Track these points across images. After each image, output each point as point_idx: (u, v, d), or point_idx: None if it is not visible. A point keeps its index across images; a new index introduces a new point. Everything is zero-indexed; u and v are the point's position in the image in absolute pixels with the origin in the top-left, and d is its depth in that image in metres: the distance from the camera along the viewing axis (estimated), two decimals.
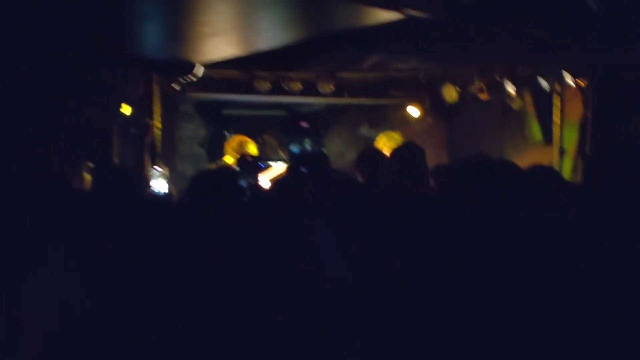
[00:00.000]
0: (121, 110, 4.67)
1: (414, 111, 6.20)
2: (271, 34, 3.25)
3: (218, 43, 3.38)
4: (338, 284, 1.97)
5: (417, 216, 2.30)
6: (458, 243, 1.86)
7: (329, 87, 5.71)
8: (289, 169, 3.84)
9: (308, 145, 3.21)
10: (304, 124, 3.32)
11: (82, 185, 3.21)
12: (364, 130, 6.81)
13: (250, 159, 3.85)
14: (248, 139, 4.98)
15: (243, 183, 3.92)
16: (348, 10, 2.79)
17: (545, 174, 2.50)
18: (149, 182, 3.66)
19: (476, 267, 1.79)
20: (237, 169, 3.82)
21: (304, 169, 2.79)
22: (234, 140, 5.03)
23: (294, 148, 3.15)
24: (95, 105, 4.37)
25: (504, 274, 1.79)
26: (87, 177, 3.33)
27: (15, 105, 3.71)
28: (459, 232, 1.89)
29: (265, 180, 4.47)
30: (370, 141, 6.64)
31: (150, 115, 4.63)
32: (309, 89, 5.71)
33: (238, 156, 4.50)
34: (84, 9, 2.76)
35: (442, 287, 1.81)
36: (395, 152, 2.95)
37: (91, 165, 3.27)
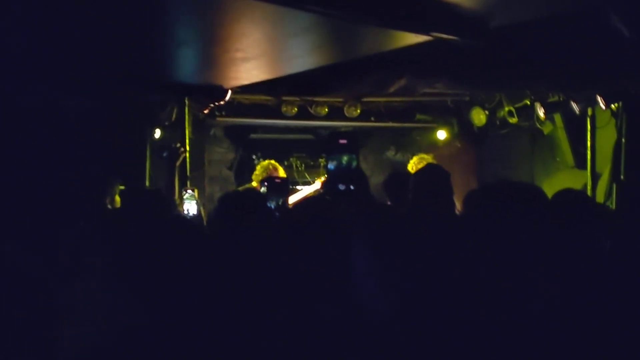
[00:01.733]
0: (154, 134, 4.79)
1: (441, 135, 6.18)
2: (301, 60, 3.31)
3: (249, 68, 3.45)
4: (371, 307, 1.95)
5: (444, 240, 2.29)
6: (486, 267, 1.83)
7: (355, 111, 5.76)
8: (324, 185, 3.82)
9: (345, 162, 3.20)
10: (342, 141, 3.31)
11: (114, 207, 3.28)
12: (389, 154, 6.81)
13: (277, 181, 3.87)
14: (275, 163, 5.03)
15: (271, 205, 3.94)
16: (377, 35, 2.83)
17: (575, 199, 2.46)
18: (180, 204, 3.72)
19: (504, 292, 1.76)
20: (265, 191, 3.85)
21: (341, 186, 2.78)
22: (261, 164, 5.09)
23: (331, 165, 3.15)
24: (129, 129, 4.50)
25: (535, 299, 1.75)
26: (118, 199, 3.41)
27: (50, 129, 3.85)
28: (488, 256, 1.87)
29: (292, 202, 4.48)
30: (396, 165, 6.63)
31: (182, 139, 4.73)
32: (336, 113, 5.78)
33: (266, 178, 4.54)
34: (120, 36, 2.86)
35: (469, 310, 1.78)
36: (417, 174, 2.90)
37: (123, 187, 3.35)
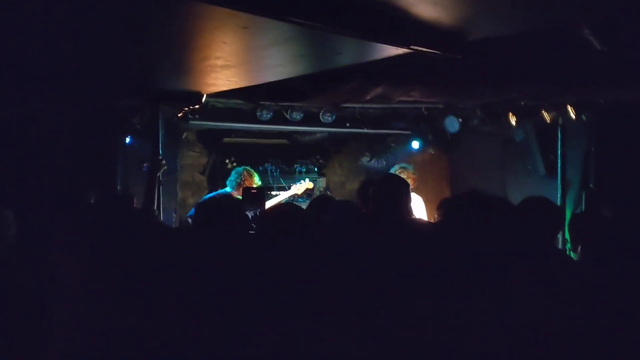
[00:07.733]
0: (126, 138, 4.70)
1: (415, 145, 6.25)
2: (281, 68, 3.29)
3: (229, 75, 3.41)
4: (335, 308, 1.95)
5: (393, 245, 2.35)
6: (455, 273, 1.85)
7: (331, 117, 5.75)
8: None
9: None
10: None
11: (90, 213, 3.20)
12: (364, 160, 6.84)
13: (253, 192, 3.86)
14: (250, 169, 4.97)
15: (249, 214, 3.92)
16: (358, 47, 2.84)
17: (541, 205, 2.52)
18: (157, 211, 3.67)
19: (469, 301, 1.78)
20: (241, 199, 3.84)
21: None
22: (236, 170, 5.03)
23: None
24: (101, 134, 4.40)
25: (498, 300, 1.78)
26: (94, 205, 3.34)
27: (24, 137, 3.74)
28: (456, 263, 1.89)
29: (267, 209, 4.45)
30: (371, 171, 6.67)
31: (154, 143, 4.64)
32: (311, 119, 5.76)
33: (241, 186, 4.53)
34: (96, 43, 2.79)
35: (433, 317, 1.80)
36: (376, 183, 3.07)
37: (98, 194, 3.28)
